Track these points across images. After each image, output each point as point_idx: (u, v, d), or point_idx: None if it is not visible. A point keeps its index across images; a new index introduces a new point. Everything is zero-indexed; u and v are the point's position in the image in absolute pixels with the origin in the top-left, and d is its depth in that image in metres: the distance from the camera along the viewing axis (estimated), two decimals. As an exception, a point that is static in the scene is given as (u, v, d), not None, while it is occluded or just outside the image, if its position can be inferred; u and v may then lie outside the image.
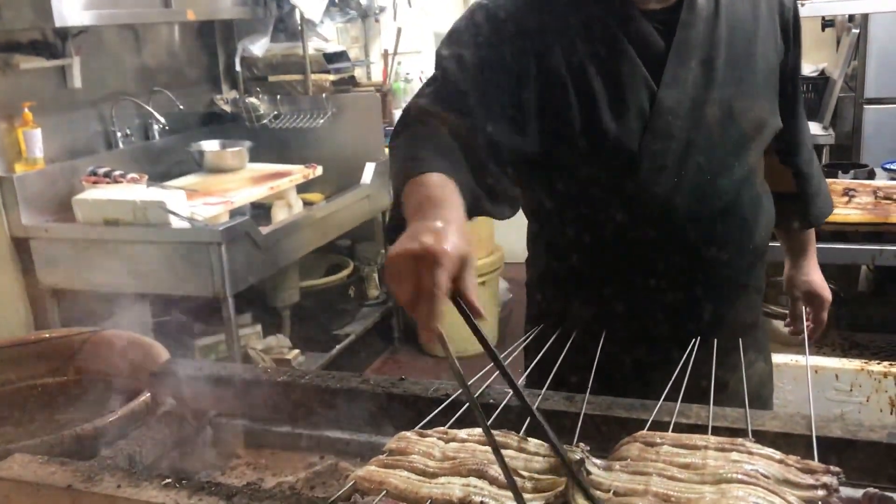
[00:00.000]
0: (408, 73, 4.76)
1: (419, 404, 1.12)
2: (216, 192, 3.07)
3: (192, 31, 3.73)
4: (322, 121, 3.78)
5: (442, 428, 0.96)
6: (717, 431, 0.94)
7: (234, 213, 2.93)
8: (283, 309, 3.55)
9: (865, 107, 3.82)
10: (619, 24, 1.19)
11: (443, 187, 0.94)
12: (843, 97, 3.91)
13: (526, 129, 1.20)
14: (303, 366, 3.30)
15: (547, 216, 1.34)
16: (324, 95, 3.82)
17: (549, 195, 1.30)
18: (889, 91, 3.78)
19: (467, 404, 1.02)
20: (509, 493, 0.81)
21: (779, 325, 1.85)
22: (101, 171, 2.90)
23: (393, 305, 4.09)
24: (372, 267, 4.18)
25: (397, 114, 4.34)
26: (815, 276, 1.60)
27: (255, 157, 3.56)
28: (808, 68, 4.15)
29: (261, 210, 3.28)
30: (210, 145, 3.52)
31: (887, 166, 3.00)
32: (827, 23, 4.22)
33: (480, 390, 1.07)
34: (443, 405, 1.03)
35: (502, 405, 1.04)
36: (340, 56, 4.15)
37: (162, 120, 3.27)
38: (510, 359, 1.13)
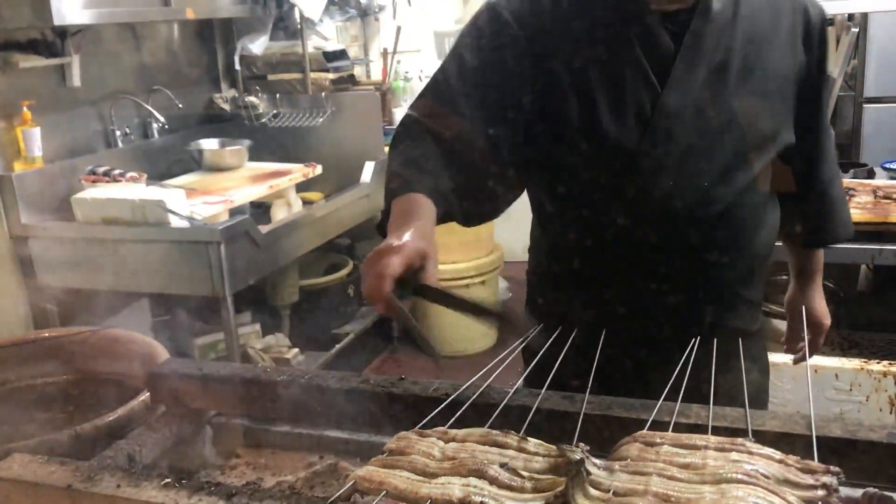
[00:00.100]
0: (407, 72, 4.76)
1: (419, 404, 1.12)
2: (215, 191, 3.07)
3: (191, 29, 3.72)
4: (321, 120, 3.77)
5: (442, 428, 0.96)
6: (716, 431, 0.94)
7: (233, 212, 2.93)
8: (283, 308, 3.54)
9: (865, 106, 3.83)
10: (627, 24, 1.18)
11: (418, 205, 1.12)
12: (842, 96, 3.90)
13: (525, 129, 1.20)
14: (302, 365, 3.29)
15: (549, 217, 1.34)
16: (323, 94, 3.82)
17: (550, 196, 1.31)
18: (888, 90, 3.78)
19: (467, 404, 1.02)
20: (509, 493, 0.81)
21: (779, 324, 1.85)
22: (101, 169, 2.90)
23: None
24: (371, 266, 4.16)
25: (397, 112, 4.37)
26: (816, 304, 1.56)
27: (254, 155, 3.56)
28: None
29: (260, 209, 3.28)
30: (209, 144, 3.51)
31: (887, 165, 3.00)
32: (827, 22, 4.21)
33: (480, 390, 1.07)
34: (443, 405, 1.03)
35: (502, 405, 1.04)
36: (340, 55, 4.14)
37: (161, 119, 3.27)
38: (510, 359, 1.13)
